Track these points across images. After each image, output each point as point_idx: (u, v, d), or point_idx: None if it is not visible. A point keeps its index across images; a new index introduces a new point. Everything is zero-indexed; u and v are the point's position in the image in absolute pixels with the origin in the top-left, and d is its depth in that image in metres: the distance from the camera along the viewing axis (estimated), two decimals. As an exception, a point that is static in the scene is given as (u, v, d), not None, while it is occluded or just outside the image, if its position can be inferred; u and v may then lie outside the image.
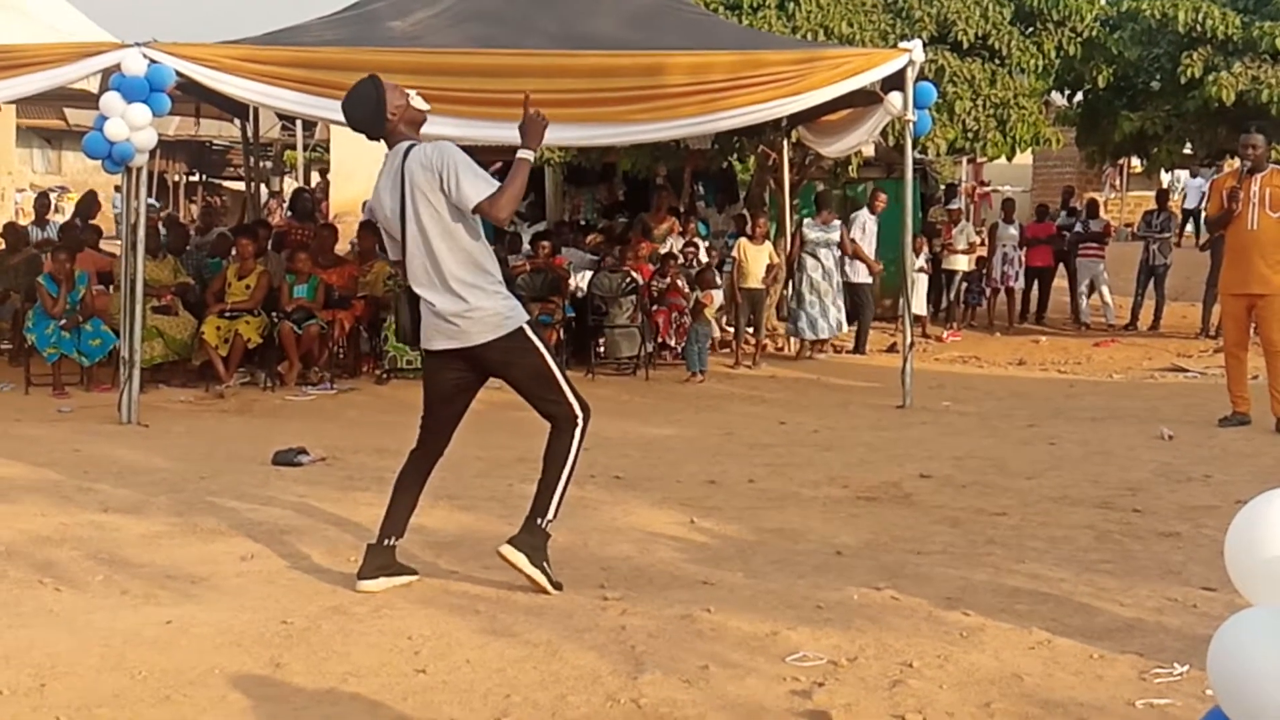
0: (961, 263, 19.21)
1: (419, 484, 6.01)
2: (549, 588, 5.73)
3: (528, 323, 5.80)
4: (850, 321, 16.77)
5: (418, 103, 5.85)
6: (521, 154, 5.80)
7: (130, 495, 7.73)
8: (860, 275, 16.66)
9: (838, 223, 16.64)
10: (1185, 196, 30.20)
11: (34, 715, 4.30)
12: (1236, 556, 2.63)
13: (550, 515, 5.78)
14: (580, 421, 5.79)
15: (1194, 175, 28.94)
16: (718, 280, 15.88)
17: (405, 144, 5.73)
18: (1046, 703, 4.46)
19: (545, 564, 5.76)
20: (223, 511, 7.32)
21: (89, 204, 16.54)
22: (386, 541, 5.86)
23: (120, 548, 6.49)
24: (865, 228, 17.04)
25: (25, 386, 12.26)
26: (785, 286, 16.76)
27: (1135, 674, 4.74)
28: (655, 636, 5.15)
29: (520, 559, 5.70)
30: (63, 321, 12.14)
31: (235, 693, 4.50)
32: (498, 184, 5.63)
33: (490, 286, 5.71)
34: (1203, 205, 23.58)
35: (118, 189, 35.23)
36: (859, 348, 16.78)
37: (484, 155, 22.36)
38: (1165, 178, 28.80)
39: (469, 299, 5.66)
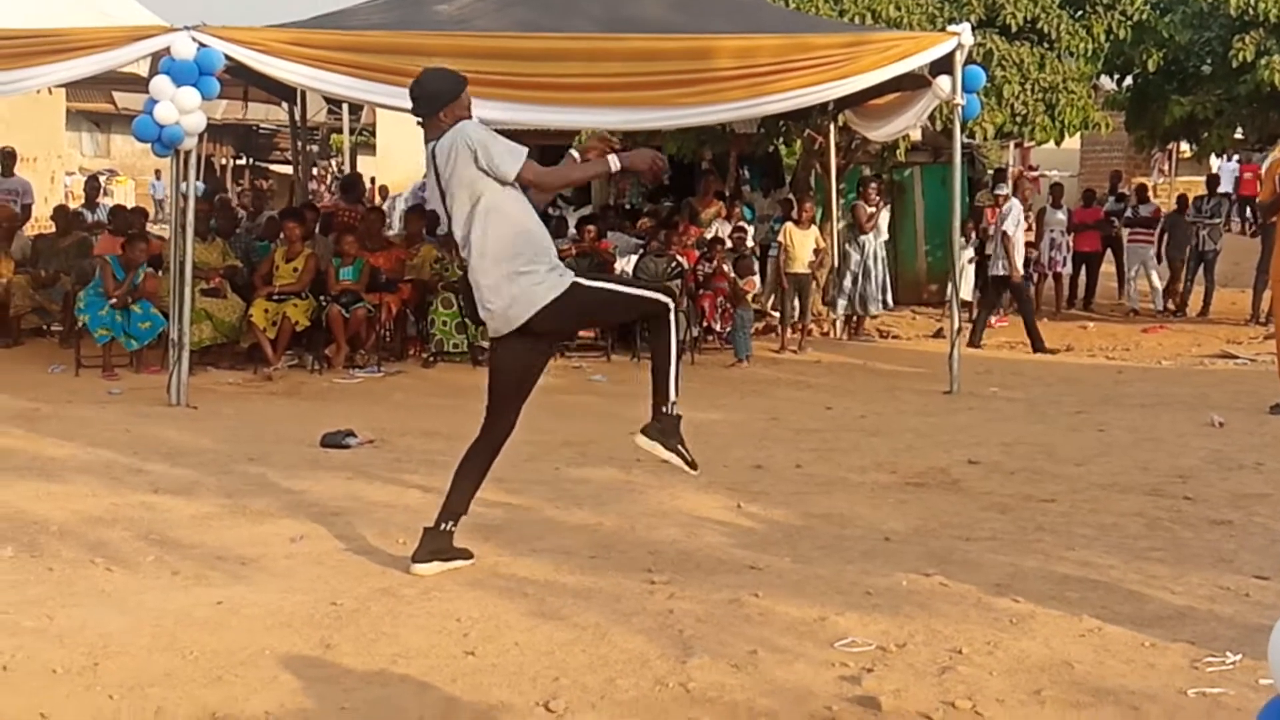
0: None
1: (481, 470, 6.03)
2: (687, 468, 5.98)
3: (575, 277, 5.80)
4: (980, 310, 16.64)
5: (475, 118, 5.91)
6: (611, 159, 5.80)
7: (180, 476, 7.78)
8: (1002, 268, 16.16)
9: (886, 210, 16.67)
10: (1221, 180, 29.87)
11: (87, 694, 4.34)
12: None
13: (672, 398, 5.91)
14: (668, 306, 5.85)
15: (1228, 158, 28.61)
16: (755, 266, 15.81)
17: (432, 143, 5.77)
18: (1097, 690, 4.43)
19: (680, 446, 5.95)
20: (272, 493, 7.36)
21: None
22: (444, 525, 5.88)
23: (171, 528, 6.54)
24: (1020, 220, 16.55)
25: (76, 368, 12.36)
26: (831, 270, 16.75)
27: (1187, 662, 4.71)
28: (703, 621, 5.15)
29: (656, 446, 5.93)
30: (112, 300, 12.22)
31: (285, 673, 4.53)
32: (522, 151, 5.66)
33: (529, 267, 5.68)
34: (1232, 190, 23.49)
35: (158, 173, 35.75)
36: (971, 340, 16.01)
37: (527, 139, 22.36)
38: (1215, 163, 28.53)
39: (515, 283, 5.67)
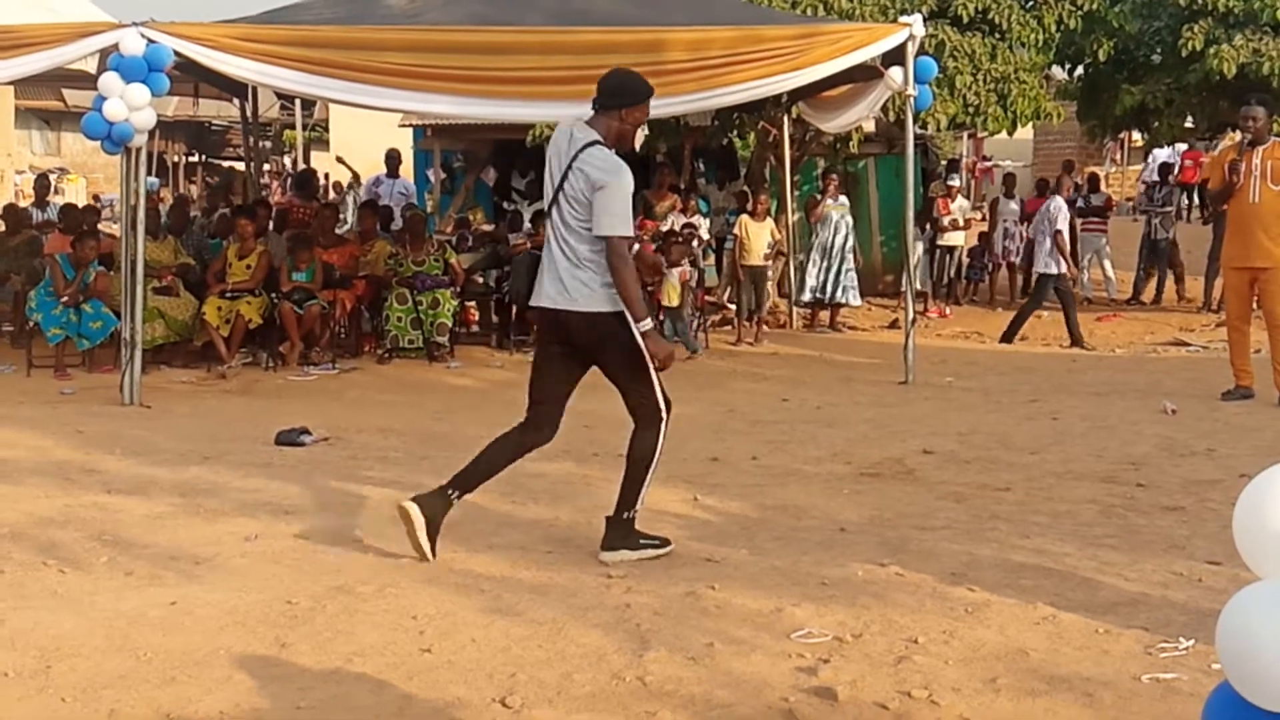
0: (955, 238, 19.02)
1: (506, 461, 6.06)
2: (661, 551, 6.00)
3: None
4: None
5: (639, 138, 5.99)
6: (646, 323, 5.83)
7: (134, 476, 7.72)
8: (1058, 265, 15.89)
9: (844, 198, 16.77)
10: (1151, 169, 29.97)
11: (39, 697, 4.30)
12: (1244, 530, 2.62)
13: (638, 507, 5.98)
14: (665, 417, 5.94)
15: (1163, 147, 28.76)
16: (689, 257, 15.75)
17: (594, 136, 5.82)
18: (1052, 678, 4.45)
19: (642, 540, 5.99)
20: (226, 492, 7.31)
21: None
22: (452, 493, 5.92)
23: (124, 529, 6.48)
24: (1067, 217, 16.36)
25: (27, 369, 12.25)
26: (787, 263, 16.83)
27: (1141, 648, 4.74)
28: (660, 614, 5.14)
29: (623, 554, 5.93)
30: (63, 299, 12.12)
31: (240, 673, 4.50)
32: (627, 230, 5.77)
33: (595, 270, 5.76)
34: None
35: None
36: (1006, 336, 15.86)
37: (481, 133, 22.25)
38: (1164, 152, 28.70)
39: (583, 269, 5.76)
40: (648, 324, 5.80)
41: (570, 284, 5.78)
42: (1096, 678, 4.45)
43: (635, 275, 5.85)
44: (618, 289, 5.71)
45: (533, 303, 5.99)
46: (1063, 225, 15.87)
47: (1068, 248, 15.94)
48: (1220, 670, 2.59)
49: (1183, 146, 27.34)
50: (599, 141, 5.80)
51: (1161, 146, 28.62)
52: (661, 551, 6.00)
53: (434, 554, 5.87)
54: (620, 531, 5.98)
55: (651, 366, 5.85)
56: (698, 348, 13.99)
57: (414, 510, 5.83)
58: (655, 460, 5.96)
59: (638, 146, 6.07)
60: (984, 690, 4.35)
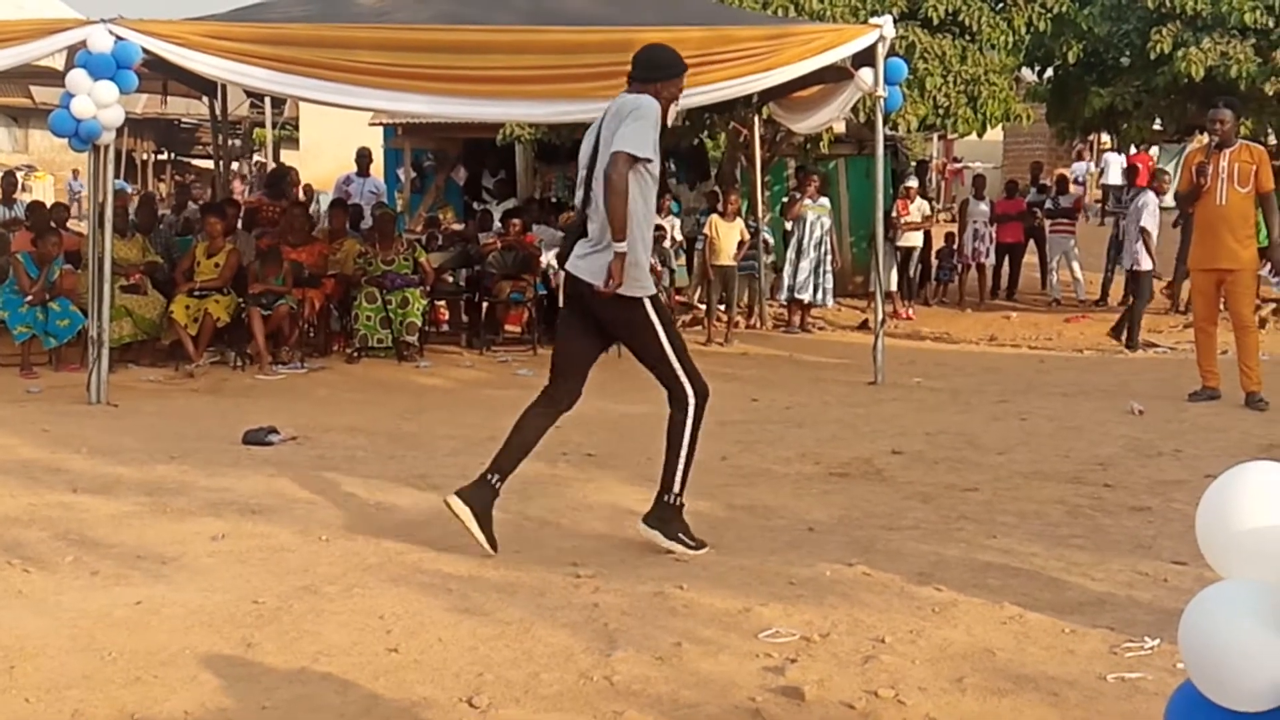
0: (913, 238, 18.99)
1: (535, 435, 6.10)
2: (690, 554, 5.98)
3: (651, 298, 5.91)
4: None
5: (672, 114, 6.01)
6: (617, 245, 5.81)
7: (100, 475, 7.68)
8: (1144, 262, 15.76)
9: (825, 199, 16.83)
10: (1103, 172, 30.06)
11: (3, 697, 4.27)
12: (1207, 530, 2.63)
13: (676, 490, 6.02)
14: (692, 401, 5.99)
15: (1116, 151, 28.89)
16: (665, 258, 15.74)
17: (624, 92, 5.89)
18: (1018, 677, 4.47)
19: (680, 534, 6.03)
20: (193, 491, 7.28)
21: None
22: (492, 478, 5.98)
23: (90, 528, 6.45)
24: (1156, 214, 16.07)
25: (-8, 367, 12.18)
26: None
27: (1106, 648, 4.76)
28: (628, 614, 5.14)
29: (655, 535, 6.00)
30: (29, 298, 12.05)
31: (206, 673, 4.48)
32: (647, 151, 5.74)
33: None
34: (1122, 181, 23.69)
35: (75, 172, 35.27)
36: (1130, 341, 15.37)
37: (452, 132, 22.23)
38: (1116, 156, 28.87)
39: (601, 249, 5.81)
40: (623, 246, 5.78)
41: (595, 260, 5.83)
42: (1062, 677, 4.47)
43: (626, 199, 5.78)
44: (608, 201, 5.72)
45: (565, 268, 6.05)
46: (1147, 222, 15.74)
47: (1154, 244, 15.86)
48: (1184, 670, 2.60)
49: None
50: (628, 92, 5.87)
51: (1116, 151, 28.84)
52: (692, 553, 6.00)
53: (494, 546, 5.91)
54: (663, 514, 6.06)
55: (673, 353, 5.93)
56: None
57: (459, 505, 5.88)
58: (685, 443, 6.02)
59: (670, 123, 6.07)
60: (950, 690, 4.36)
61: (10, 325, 12.15)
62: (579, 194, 6.05)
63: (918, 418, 10.09)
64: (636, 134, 5.69)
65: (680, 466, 6.02)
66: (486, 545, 5.89)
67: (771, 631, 4.92)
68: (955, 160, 35.93)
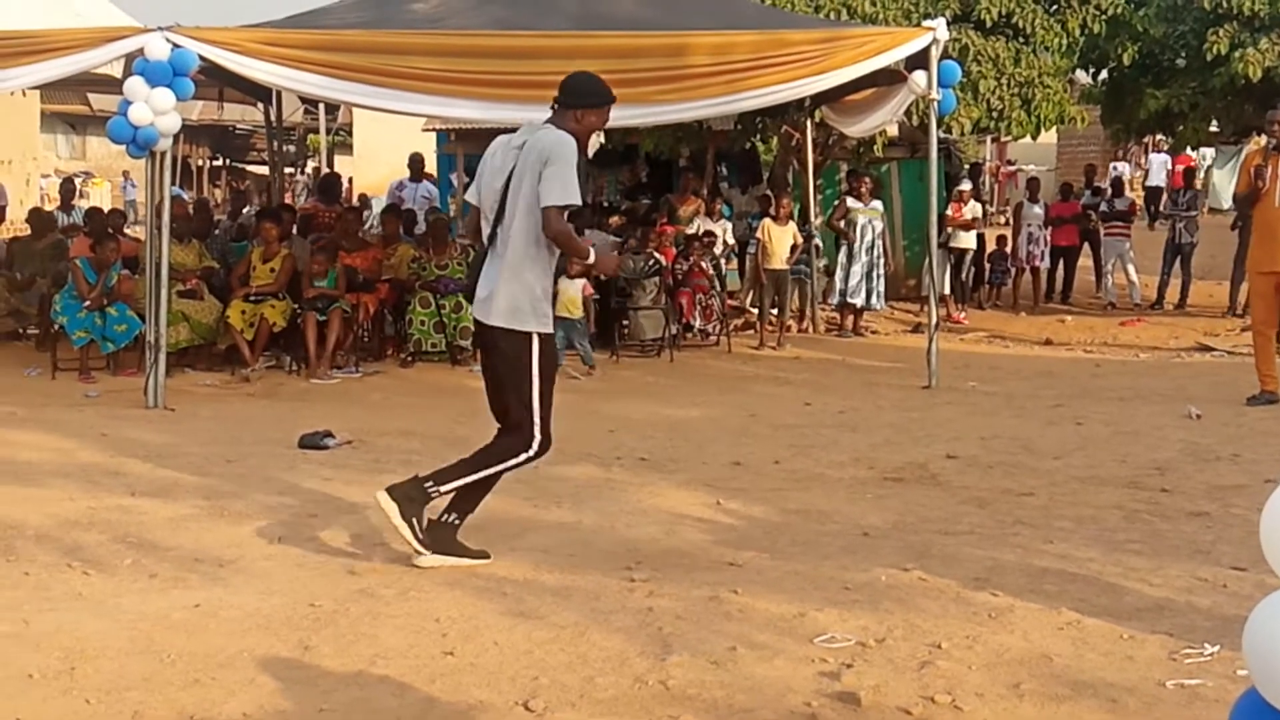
0: (966, 240, 18.86)
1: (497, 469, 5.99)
2: (413, 543, 5.79)
3: (541, 336, 5.82)
4: None
5: (593, 143, 5.99)
6: (590, 248, 6.04)
7: (158, 479, 7.75)
8: None
9: (878, 202, 16.76)
10: (1148, 174, 29.68)
11: (63, 699, 4.31)
12: (1271, 535, 2.60)
13: (443, 489, 5.84)
14: (534, 449, 5.84)
15: (1159, 151, 28.54)
16: (717, 264, 15.65)
17: (542, 128, 5.80)
18: (1076, 683, 4.44)
19: (415, 521, 5.80)
20: (250, 495, 7.33)
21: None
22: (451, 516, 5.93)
23: (148, 531, 6.51)
24: None
25: (52, 371, 12.29)
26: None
27: (1165, 654, 4.72)
28: (682, 618, 5.14)
29: (393, 508, 5.78)
30: (87, 303, 12.17)
31: (264, 675, 4.51)
32: (575, 199, 5.69)
33: (529, 283, 5.74)
34: (1165, 183, 23.29)
35: (126, 174, 35.62)
36: None
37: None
38: (1159, 157, 28.62)
39: (506, 282, 5.73)
40: (592, 255, 5.94)
41: (495, 302, 5.77)
42: (1120, 683, 4.43)
43: (571, 241, 5.84)
44: (563, 248, 5.77)
45: (474, 313, 6.01)
46: None
47: None
48: (1246, 676, 2.57)
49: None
50: (548, 128, 5.78)
51: (1160, 151, 28.51)
52: (409, 540, 5.82)
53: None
54: (412, 494, 5.81)
55: (538, 397, 5.80)
56: (594, 363, 13.25)
57: (385, 500, 5.83)
58: (494, 468, 5.86)
59: (591, 153, 6.06)
60: (1007, 695, 4.34)
61: (69, 330, 12.27)
62: (485, 227, 5.92)
63: (972, 422, 10.04)
64: (561, 183, 5.61)
65: (469, 479, 5.86)
66: (417, 545, 5.80)
67: (827, 637, 4.90)
68: (1009, 163, 35.72)
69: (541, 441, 5.84)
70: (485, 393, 6.05)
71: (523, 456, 5.84)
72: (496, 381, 5.94)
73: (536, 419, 5.82)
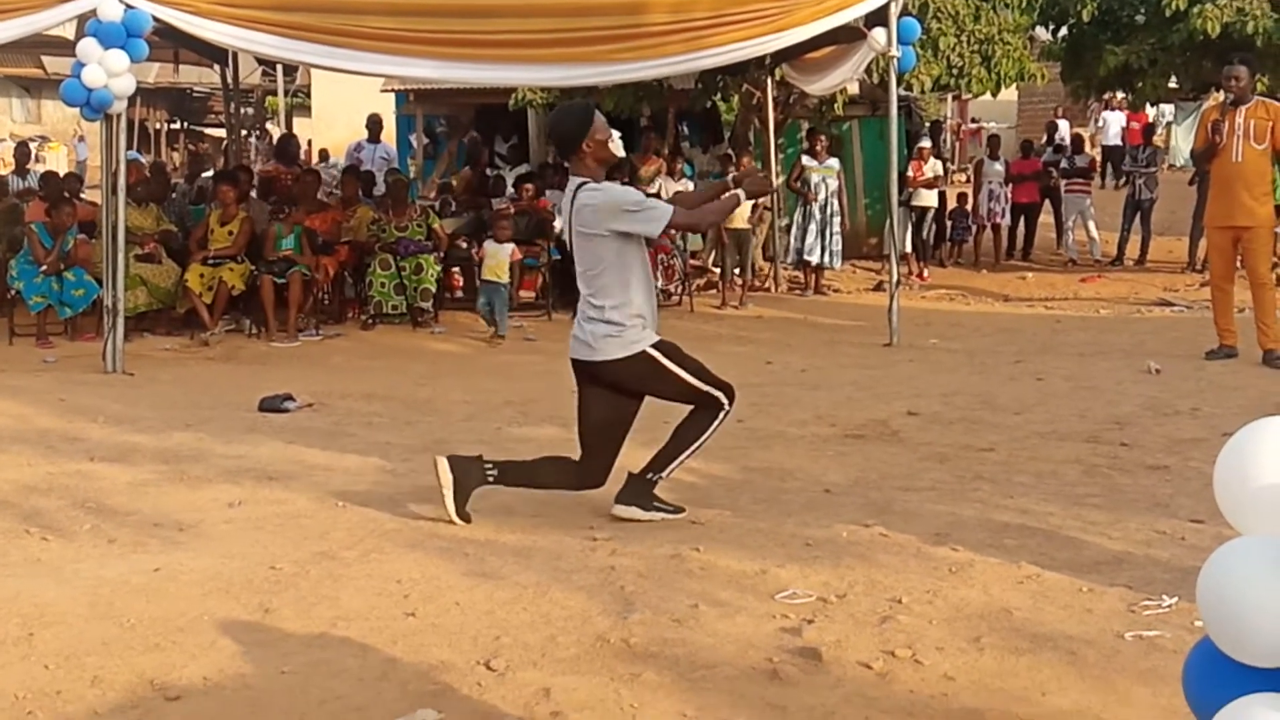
0: (928, 198, 18.86)
1: (546, 482, 6.17)
2: (674, 516, 6.03)
3: (653, 345, 5.94)
4: None
5: (614, 146, 6.01)
6: (740, 194, 6.29)
7: (116, 444, 7.70)
8: None
9: (835, 160, 16.71)
10: (1102, 131, 29.69)
11: (22, 664, 4.29)
12: (1225, 486, 2.62)
13: (663, 475, 6.07)
14: (725, 405, 6.07)
15: (1112, 109, 28.56)
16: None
17: (578, 180, 5.92)
18: (1036, 636, 4.46)
19: (656, 504, 6.05)
20: (209, 459, 7.30)
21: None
22: (489, 469, 6.03)
23: (107, 496, 6.47)
24: None
25: (9, 337, 12.20)
26: (772, 225, 16.84)
27: (1124, 606, 4.75)
28: (644, 576, 5.15)
29: (634, 511, 6.00)
30: (43, 268, 12.06)
31: (224, 639, 4.49)
32: (665, 209, 5.92)
33: (618, 316, 5.86)
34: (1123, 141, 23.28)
35: (81, 138, 35.27)
36: None
37: (464, 97, 22.08)
38: (1151, 111, 28.63)
39: (598, 320, 5.88)
40: (741, 195, 6.29)
41: (589, 339, 5.91)
42: (1080, 636, 4.46)
43: (710, 213, 6.38)
44: (711, 220, 5.93)
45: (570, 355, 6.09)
46: None
47: None
48: (1203, 628, 2.59)
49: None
50: (585, 182, 5.90)
51: (1113, 109, 28.52)
52: (673, 517, 6.04)
53: (466, 519, 5.95)
54: (639, 489, 6.05)
55: (694, 377, 6.01)
56: (505, 331, 12.92)
57: (444, 468, 5.91)
58: (702, 441, 6.06)
59: (619, 152, 6.15)
60: (968, 649, 4.36)
61: (26, 295, 12.17)
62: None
63: (933, 379, 10.07)
64: (647, 208, 5.87)
65: (682, 458, 6.07)
66: (455, 515, 5.90)
67: (788, 593, 4.92)
68: (974, 121, 35.71)
69: (726, 394, 6.07)
70: (581, 425, 6.13)
71: (721, 415, 6.08)
72: (598, 409, 6.07)
73: (708, 389, 6.04)
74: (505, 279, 13.04)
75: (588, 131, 5.88)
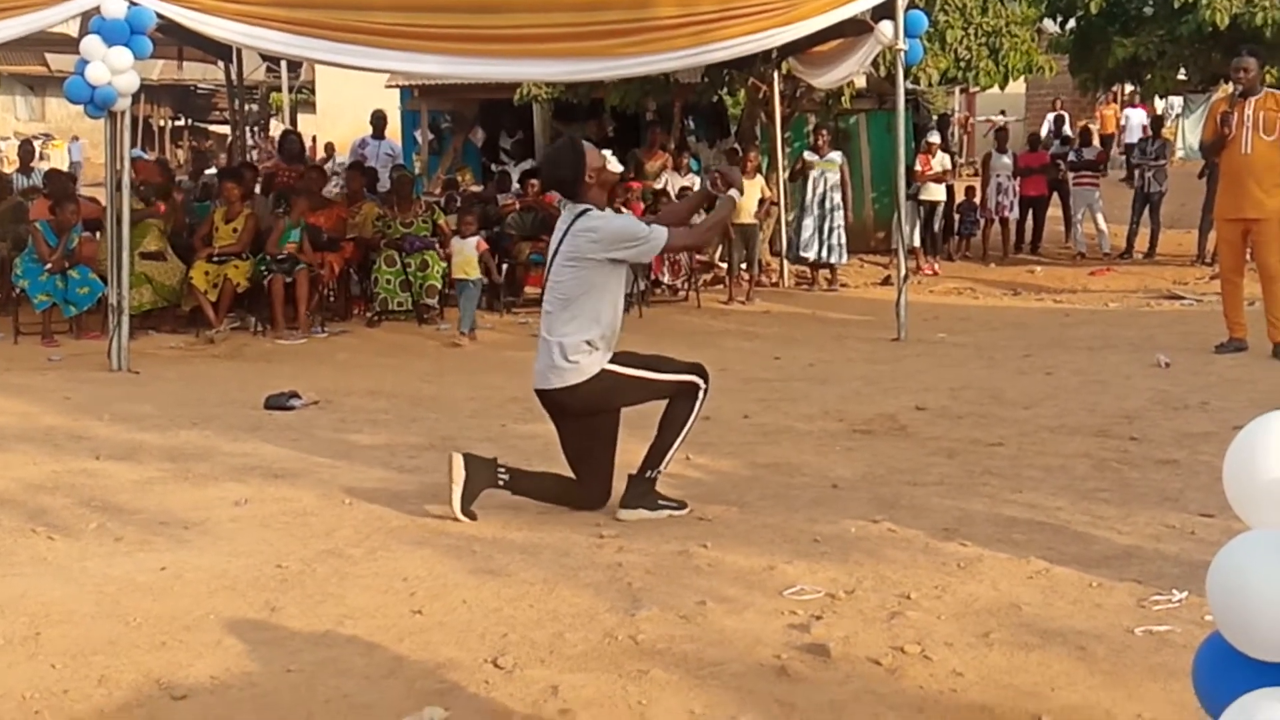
0: (936, 192, 18.83)
1: (552, 496, 6.21)
2: (678, 512, 6.03)
3: (610, 361, 5.95)
4: None
5: (613, 166, 6.09)
6: (732, 193, 6.37)
7: (122, 442, 7.69)
8: None
9: (837, 153, 16.63)
10: (1124, 129, 29.59)
11: (29, 664, 4.27)
12: (1235, 479, 2.59)
13: (660, 468, 6.06)
14: (701, 385, 6.06)
15: (1134, 106, 28.50)
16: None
17: (580, 207, 5.94)
18: (1045, 631, 4.44)
19: (660, 501, 6.04)
20: (215, 457, 7.29)
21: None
22: (503, 472, 6.05)
23: (113, 494, 6.46)
24: None
25: (14, 335, 12.20)
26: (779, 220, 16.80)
27: (1134, 601, 4.73)
28: (652, 573, 5.13)
29: (640, 513, 5.97)
30: (48, 266, 12.05)
31: (230, 637, 4.48)
32: (661, 228, 5.98)
33: (579, 343, 5.87)
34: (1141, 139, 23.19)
35: (75, 138, 35.29)
36: None
37: (469, 93, 22.09)
38: (1159, 104, 28.56)
39: (564, 354, 5.88)
40: (734, 192, 6.37)
41: (550, 372, 5.93)
42: (1089, 631, 4.44)
43: (709, 230, 6.49)
44: (708, 236, 6.02)
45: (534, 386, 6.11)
46: None
47: None
48: (1213, 622, 2.56)
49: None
50: (588, 209, 5.92)
51: (1135, 105, 28.44)
52: (679, 513, 6.03)
53: (471, 516, 5.93)
54: (640, 490, 6.03)
55: (656, 372, 6.00)
56: (473, 328, 12.63)
57: (459, 464, 5.89)
58: (688, 428, 6.05)
59: (616, 168, 6.17)
60: (977, 644, 4.34)
61: (30, 294, 12.17)
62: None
63: (942, 373, 10.04)
64: (641, 231, 5.94)
65: (676, 446, 6.07)
66: (459, 511, 5.88)
67: (796, 589, 4.89)
68: (1002, 113, 35.61)
69: (699, 376, 6.06)
70: (566, 453, 6.19)
71: (700, 398, 6.06)
72: (579, 436, 6.10)
73: (677, 377, 6.04)
74: (475, 274, 12.86)
75: (583, 167, 5.91)
